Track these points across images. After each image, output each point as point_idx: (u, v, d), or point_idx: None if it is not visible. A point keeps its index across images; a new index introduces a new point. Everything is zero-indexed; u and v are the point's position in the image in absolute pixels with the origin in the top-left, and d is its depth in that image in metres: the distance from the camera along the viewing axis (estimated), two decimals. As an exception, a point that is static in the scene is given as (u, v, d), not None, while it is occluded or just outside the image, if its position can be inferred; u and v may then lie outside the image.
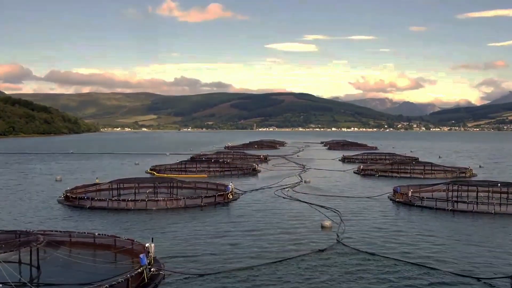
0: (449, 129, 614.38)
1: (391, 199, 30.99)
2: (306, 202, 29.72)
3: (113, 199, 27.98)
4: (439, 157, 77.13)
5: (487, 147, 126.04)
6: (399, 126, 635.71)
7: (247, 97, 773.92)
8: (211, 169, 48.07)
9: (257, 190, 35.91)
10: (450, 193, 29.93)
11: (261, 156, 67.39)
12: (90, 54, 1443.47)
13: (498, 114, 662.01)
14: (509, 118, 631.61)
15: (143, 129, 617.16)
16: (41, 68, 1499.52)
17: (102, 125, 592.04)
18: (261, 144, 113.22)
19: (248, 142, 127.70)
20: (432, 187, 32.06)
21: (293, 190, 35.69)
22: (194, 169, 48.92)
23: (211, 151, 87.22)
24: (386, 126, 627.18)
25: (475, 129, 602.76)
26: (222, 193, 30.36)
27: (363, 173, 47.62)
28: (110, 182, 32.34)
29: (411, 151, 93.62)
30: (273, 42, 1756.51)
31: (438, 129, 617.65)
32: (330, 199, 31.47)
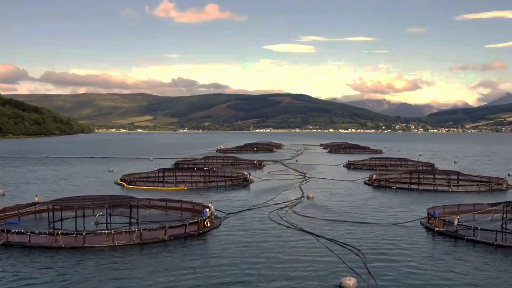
0: (447, 131, 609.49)
1: (426, 228, 22.80)
2: (312, 234, 21.44)
3: (36, 232, 19.57)
4: (454, 162, 69.08)
5: (496, 150, 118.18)
6: (397, 127, 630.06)
7: (244, 98, 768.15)
8: (193, 180, 39.74)
9: (246, 210, 27.63)
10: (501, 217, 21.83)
11: (255, 162, 59.17)
12: (86, 55, 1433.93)
13: (496, 115, 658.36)
14: (507, 119, 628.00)
15: (138, 130, 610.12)
16: (37, 68, 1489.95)
17: (98, 126, 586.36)
18: (256, 147, 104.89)
19: (243, 144, 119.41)
20: (480, 209, 23.99)
21: (292, 211, 27.47)
22: (173, 179, 40.70)
23: (201, 155, 78.92)
24: (384, 127, 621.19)
25: (473, 131, 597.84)
26: (196, 220, 22.06)
27: (376, 184, 39.44)
28: (47, 203, 23.97)
29: (420, 155, 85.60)
30: (270, 43, 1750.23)
31: (436, 130, 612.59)
32: (343, 227, 23.27)
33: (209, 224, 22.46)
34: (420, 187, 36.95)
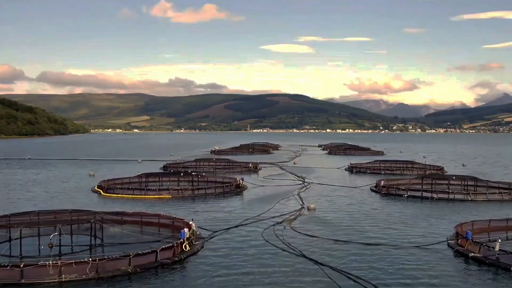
0: (445, 131, 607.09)
1: (457, 252, 18.46)
2: (316, 263, 17.08)
3: None
4: (463, 165, 64.89)
5: (501, 151, 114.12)
6: (395, 127, 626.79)
7: (242, 98, 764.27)
8: (179, 186, 35.30)
9: (236, 227, 23.23)
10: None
11: (250, 165, 54.80)
12: (83, 55, 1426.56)
13: (493, 115, 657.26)
14: (505, 119, 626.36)
15: (134, 130, 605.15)
16: (33, 69, 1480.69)
17: (94, 126, 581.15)
18: (252, 148, 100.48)
19: (238, 145, 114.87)
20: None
21: (291, 227, 23.12)
22: (157, 186, 36.34)
23: (194, 157, 74.56)
24: (381, 127, 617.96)
25: (471, 131, 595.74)
26: (171, 244, 17.66)
27: (385, 192, 35.15)
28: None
29: (424, 156, 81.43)
30: (268, 43, 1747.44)
31: (434, 131, 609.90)
32: (352, 250, 18.93)
33: (187, 248, 18.10)
34: (435, 196, 32.62)
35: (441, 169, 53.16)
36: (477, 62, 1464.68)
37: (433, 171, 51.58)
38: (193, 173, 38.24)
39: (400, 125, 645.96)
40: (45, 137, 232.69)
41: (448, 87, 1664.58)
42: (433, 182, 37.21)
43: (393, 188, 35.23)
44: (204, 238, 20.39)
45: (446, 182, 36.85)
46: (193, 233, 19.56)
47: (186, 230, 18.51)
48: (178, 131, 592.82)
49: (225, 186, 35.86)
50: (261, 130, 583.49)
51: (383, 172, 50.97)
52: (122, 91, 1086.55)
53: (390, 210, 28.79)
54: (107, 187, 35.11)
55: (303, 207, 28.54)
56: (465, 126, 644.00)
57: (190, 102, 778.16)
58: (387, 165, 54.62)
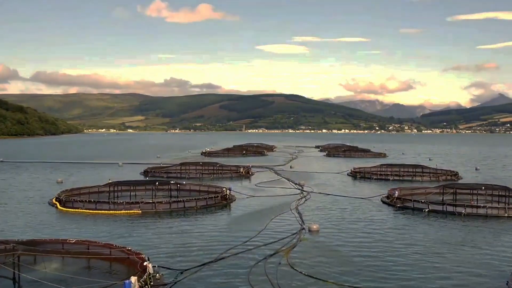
0: (441, 131, 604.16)
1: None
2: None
3: None
4: (476, 168, 59.20)
5: (508, 152, 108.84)
6: (391, 128, 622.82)
7: (237, 98, 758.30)
8: (154, 199, 29.19)
9: (214, 261, 17.24)
10: None
11: (241, 170, 48.80)
12: (78, 55, 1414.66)
13: (489, 116, 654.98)
14: (501, 120, 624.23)
15: (129, 130, 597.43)
16: (28, 68, 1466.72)
17: (88, 126, 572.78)
18: (245, 150, 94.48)
19: (232, 146, 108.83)
20: None
21: (288, 262, 17.15)
22: (127, 197, 30.30)
23: (182, 159, 68.60)
24: (377, 128, 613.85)
25: (467, 131, 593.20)
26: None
27: (400, 205, 29.30)
28: None
29: (430, 159, 75.89)
30: (263, 44, 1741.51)
31: (430, 131, 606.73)
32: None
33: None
34: (463, 211, 26.79)
35: (456, 174, 47.41)
36: (472, 62, 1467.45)
37: (447, 177, 45.86)
38: (171, 182, 32.16)
39: (396, 125, 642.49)
40: (35, 138, 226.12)
41: (443, 88, 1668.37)
42: (455, 191, 31.37)
43: (410, 200, 29.37)
44: (165, 285, 14.41)
45: (467, 190, 31.14)
46: (149, 279, 13.63)
47: (133, 280, 12.50)
48: (173, 131, 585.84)
49: (209, 198, 29.84)
50: (257, 131, 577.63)
51: (391, 179, 45.16)
52: (117, 91, 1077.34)
53: (414, 231, 22.89)
54: (65, 199, 28.99)
55: (303, 228, 22.65)
56: (461, 127, 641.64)
57: (185, 102, 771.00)
58: (395, 170, 48.82)
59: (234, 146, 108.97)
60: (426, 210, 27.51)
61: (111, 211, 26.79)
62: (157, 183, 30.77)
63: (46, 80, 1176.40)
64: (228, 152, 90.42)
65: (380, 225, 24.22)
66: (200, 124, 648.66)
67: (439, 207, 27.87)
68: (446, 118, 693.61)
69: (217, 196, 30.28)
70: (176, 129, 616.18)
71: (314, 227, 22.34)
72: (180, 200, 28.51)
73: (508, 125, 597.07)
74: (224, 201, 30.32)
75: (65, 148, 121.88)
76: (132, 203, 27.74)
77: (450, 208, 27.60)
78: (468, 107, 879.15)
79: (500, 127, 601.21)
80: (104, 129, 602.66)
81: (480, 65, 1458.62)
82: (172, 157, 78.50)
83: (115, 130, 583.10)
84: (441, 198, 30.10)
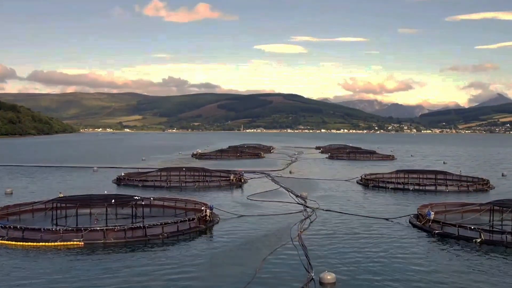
0: (440, 131, 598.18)
1: None
2: None
3: None
4: (502, 174, 51.76)
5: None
6: (390, 128, 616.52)
7: (235, 98, 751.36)
8: (106, 224, 21.54)
9: None
10: None
11: (231, 177, 41.13)
12: (75, 54, 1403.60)
13: (488, 116, 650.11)
14: (500, 120, 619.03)
15: (126, 130, 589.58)
16: (25, 68, 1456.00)
17: (85, 125, 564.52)
18: (241, 151, 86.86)
19: (226, 147, 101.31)
20: None
21: None
22: (74, 221, 22.68)
23: (170, 162, 61.11)
24: (376, 128, 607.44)
25: (466, 131, 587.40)
26: None
27: (438, 231, 21.74)
28: None
29: (444, 162, 68.54)
30: (262, 43, 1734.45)
31: (430, 131, 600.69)
32: None
33: None
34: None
35: (487, 183, 39.86)
36: (471, 62, 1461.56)
37: (478, 186, 38.40)
38: (135, 197, 24.55)
39: (395, 125, 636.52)
40: (27, 137, 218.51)
41: (442, 88, 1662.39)
42: (503, 210, 23.88)
43: (452, 224, 21.84)
44: None
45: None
46: None
47: None
48: (170, 130, 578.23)
49: (181, 222, 22.22)
50: (255, 130, 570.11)
51: (411, 188, 37.66)
52: (114, 91, 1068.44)
53: (467, 277, 15.43)
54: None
55: (312, 279, 15.09)
56: (460, 127, 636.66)
57: (182, 102, 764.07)
58: (413, 178, 41.35)
59: (229, 147, 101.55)
60: (478, 240, 20.04)
61: (41, 243, 19.20)
62: (113, 200, 23.08)
63: (43, 79, 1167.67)
64: (221, 154, 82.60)
65: (420, 268, 16.65)
66: (197, 123, 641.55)
67: (497, 236, 20.35)
68: (445, 118, 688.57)
69: (193, 219, 22.67)
70: (174, 129, 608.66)
71: (328, 277, 14.78)
72: (140, 227, 20.87)
73: (508, 125, 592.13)
74: (203, 224, 22.80)
75: (46, 148, 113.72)
76: (73, 230, 20.08)
77: (503, 236, 20.14)
78: (466, 107, 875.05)
79: (500, 127, 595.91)
80: (101, 129, 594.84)
81: (478, 65, 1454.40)
82: (159, 160, 70.94)
83: (112, 130, 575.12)
84: (489, 219, 22.68)
